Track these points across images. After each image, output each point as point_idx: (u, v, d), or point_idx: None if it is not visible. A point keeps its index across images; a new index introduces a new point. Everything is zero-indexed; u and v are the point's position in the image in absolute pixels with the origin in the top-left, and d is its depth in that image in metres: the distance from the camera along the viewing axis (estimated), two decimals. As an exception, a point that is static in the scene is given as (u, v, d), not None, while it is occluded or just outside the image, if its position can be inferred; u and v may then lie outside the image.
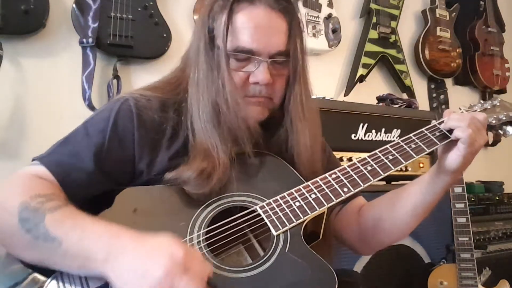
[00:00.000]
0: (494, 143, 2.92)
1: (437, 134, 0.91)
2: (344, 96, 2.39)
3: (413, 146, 0.90)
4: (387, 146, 0.91)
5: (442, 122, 0.92)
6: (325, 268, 0.75)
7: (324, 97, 1.78)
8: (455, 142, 0.87)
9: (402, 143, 0.91)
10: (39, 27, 1.64)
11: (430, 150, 0.89)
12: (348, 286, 1.12)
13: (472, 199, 2.05)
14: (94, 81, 1.70)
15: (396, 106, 2.06)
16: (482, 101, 1.06)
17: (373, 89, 2.40)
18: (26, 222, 0.70)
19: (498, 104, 1.03)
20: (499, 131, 1.02)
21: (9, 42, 1.60)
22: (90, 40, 1.67)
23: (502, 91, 2.95)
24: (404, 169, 1.84)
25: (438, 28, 2.65)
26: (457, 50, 2.73)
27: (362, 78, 2.39)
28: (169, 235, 0.68)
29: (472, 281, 1.70)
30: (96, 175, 0.82)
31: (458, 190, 1.77)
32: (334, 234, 1.07)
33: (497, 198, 2.17)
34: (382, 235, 0.99)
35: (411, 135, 0.92)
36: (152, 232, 0.73)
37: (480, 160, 2.91)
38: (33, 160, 0.84)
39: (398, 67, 2.50)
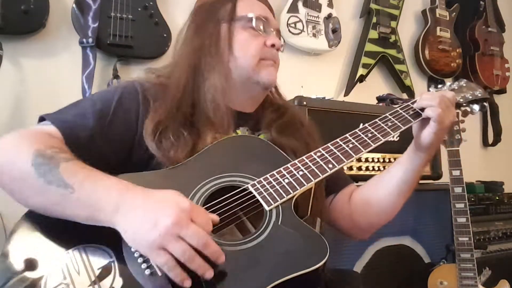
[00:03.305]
0: (494, 143, 2.92)
1: (411, 112, 0.99)
2: (344, 96, 2.39)
3: (390, 124, 0.98)
4: (366, 125, 0.98)
5: (415, 101, 1.00)
6: (317, 237, 0.80)
7: (324, 97, 1.78)
8: (427, 120, 0.95)
9: (379, 122, 0.98)
10: (39, 27, 1.64)
11: (405, 128, 0.98)
12: (348, 286, 1.12)
13: (472, 199, 2.05)
14: (94, 81, 1.70)
15: (396, 106, 2.06)
16: (449, 83, 1.16)
17: (373, 89, 2.40)
18: (41, 167, 0.73)
19: (464, 85, 1.13)
20: (467, 108, 1.12)
21: (9, 42, 1.60)
22: (90, 40, 1.67)
23: (502, 91, 2.95)
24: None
25: (438, 28, 2.65)
26: (457, 50, 2.73)
27: (362, 78, 2.38)
28: (174, 190, 0.73)
29: (472, 281, 1.69)
30: (96, 136, 0.86)
31: (458, 190, 1.76)
32: (330, 223, 1.12)
33: (497, 198, 2.17)
34: (372, 216, 1.07)
35: (387, 114, 1.00)
36: None
37: (480, 160, 2.91)
38: (40, 117, 0.89)
39: (398, 67, 2.50)
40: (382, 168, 1.77)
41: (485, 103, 1.12)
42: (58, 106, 1.68)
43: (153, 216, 0.68)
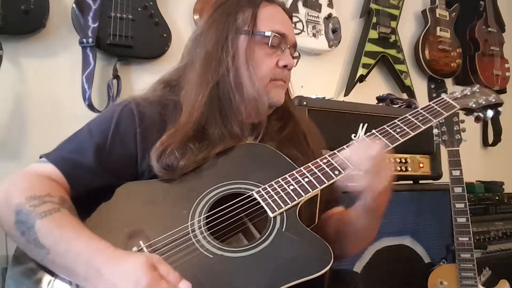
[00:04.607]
0: (494, 143, 2.92)
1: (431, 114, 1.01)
2: (344, 96, 2.39)
3: (399, 130, 0.97)
4: (374, 131, 0.97)
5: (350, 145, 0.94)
6: (321, 243, 0.79)
7: (324, 97, 1.77)
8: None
9: (387, 128, 0.97)
10: (39, 27, 1.64)
11: (415, 133, 0.96)
12: (348, 286, 1.12)
13: (472, 199, 2.05)
14: (94, 81, 1.70)
15: (396, 106, 2.06)
16: (462, 88, 1.14)
17: (373, 89, 2.40)
18: (21, 224, 0.75)
19: (477, 90, 1.12)
20: (480, 114, 1.10)
21: (9, 42, 1.60)
22: (90, 40, 1.67)
23: (502, 91, 2.95)
24: (404, 169, 1.84)
25: (438, 28, 2.65)
26: (457, 50, 2.73)
27: (362, 78, 2.39)
28: (143, 255, 0.70)
29: (472, 281, 1.69)
30: (98, 171, 0.86)
31: (458, 190, 1.76)
32: None
33: (497, 198, 2.17)
34: (341, 246, 0.99)
35: (395, 121, 1.00)
36: (156, 221, 0.82)
37: (480, 160, 2.91)
38: (40, 157, 0.88)
39: (398, 67, 2.50)
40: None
41: (499, 108, 1.09)
42: (58, 106, 1.69)
43: None
